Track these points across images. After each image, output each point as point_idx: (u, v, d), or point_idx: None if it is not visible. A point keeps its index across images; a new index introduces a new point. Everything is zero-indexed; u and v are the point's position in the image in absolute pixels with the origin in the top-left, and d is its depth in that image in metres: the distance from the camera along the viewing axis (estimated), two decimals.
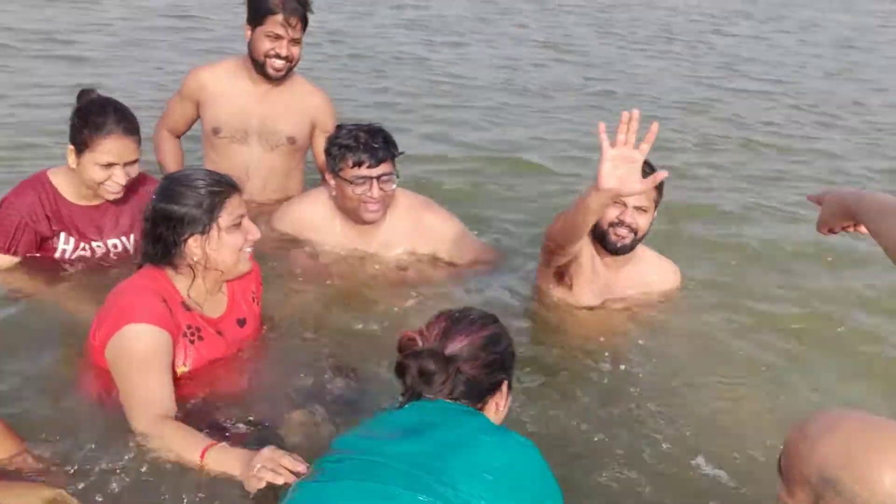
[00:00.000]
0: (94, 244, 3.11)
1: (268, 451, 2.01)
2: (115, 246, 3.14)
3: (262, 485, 1.96)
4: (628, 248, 3.12)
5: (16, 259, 3.02)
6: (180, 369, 2.39)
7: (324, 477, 1.77)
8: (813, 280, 3.98)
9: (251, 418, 2.36)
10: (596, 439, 2.59)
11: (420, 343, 1.93)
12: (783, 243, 4.39)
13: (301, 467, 1.94)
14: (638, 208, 3.03)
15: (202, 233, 2.34)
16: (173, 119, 3.86)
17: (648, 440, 2.60)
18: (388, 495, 1.64)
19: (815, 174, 5.80)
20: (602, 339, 3.13)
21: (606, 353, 3.06)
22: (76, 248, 3.08)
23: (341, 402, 2.52)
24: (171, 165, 3.82)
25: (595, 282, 3.20)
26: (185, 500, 2.08)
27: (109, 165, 2.85)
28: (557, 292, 3.20)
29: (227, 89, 3.69)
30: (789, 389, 3.01)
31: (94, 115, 2.82)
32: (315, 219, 3.42)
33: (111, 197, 2.96)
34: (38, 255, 3.06)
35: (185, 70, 3.96)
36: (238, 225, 2.39)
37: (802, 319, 3.56)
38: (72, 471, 2.13)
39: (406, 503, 1.62)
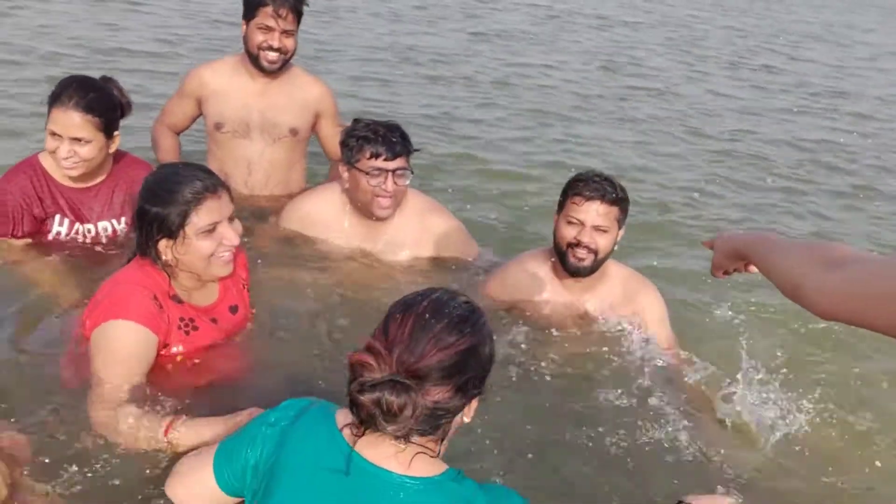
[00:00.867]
0: (85, 226, 3.07)
1: (249, 411, 1.96)
2: (105, 229, 3.10)
3: None
4: (588, 270, 2.97)
5: (21, 242, 3.01)
6: (177, 358, 2.38)
7: None
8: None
9: (245, 407, 2.25)
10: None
11: (377, 368, 1.48)
12: None
13: None
14: (597, 228, 2.89)
15: (170, 237, 2.28)
16: (173, 116, 3.84)
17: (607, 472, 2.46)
18: None
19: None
20: (561, 360, 2.96)
21: (561, 376, 2.89)
22: (70, 229, 3.05)
23: (332, 396, 2.43)
24: (168, 160, 3.77)
25: (549, 305, 3.11)
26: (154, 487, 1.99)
27: (54, 136, 2.81)
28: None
29: (227, 85, 3.70)
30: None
31: (57, 86, 2.81)
32: (323, 214, 3.40)
33: (69, 172, 2.90)
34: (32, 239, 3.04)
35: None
36: (211, 231, 2.30)
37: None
38: (35, 454, 2.05)
39: None
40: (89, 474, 2.03)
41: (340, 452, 1.55)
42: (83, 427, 2.18)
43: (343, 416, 1.62)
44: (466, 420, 1.62)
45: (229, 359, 2.54)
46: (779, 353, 3.11)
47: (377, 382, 1.46)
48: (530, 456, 2.45)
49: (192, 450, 1.98)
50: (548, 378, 2.86)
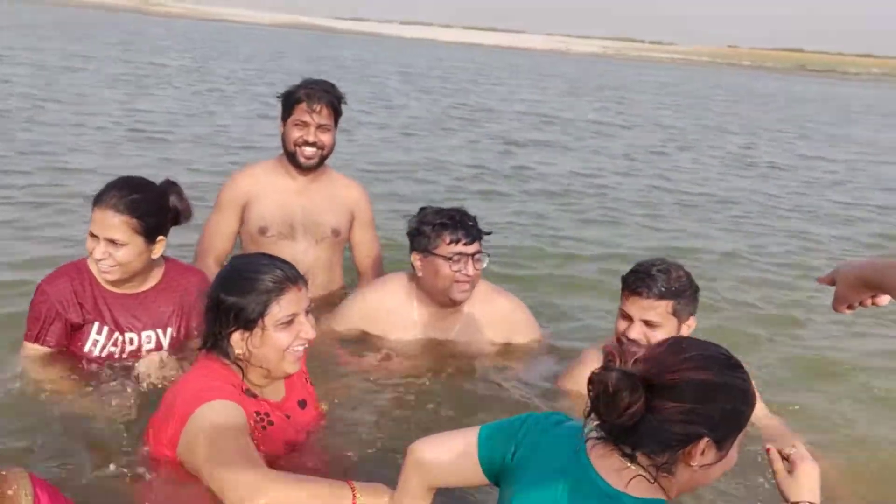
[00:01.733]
0: (127, 335, 2.82)
1: None
2: (148, 339, 2.85)
3: None
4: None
5: (45, 349, 2.78)
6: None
7: None
8: None
9: None
10: None
11: (618, 361, 1.60)
12: None
13: None
14: (648, 323, 2.69)
15: (246, 328, 2.15)
16: (218, 238, 3.62)
17: None
18: None
19: None
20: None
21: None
22: (109, 338, 2.81)
23: None
24: None
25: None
26: None
27: (93, 236, 2.67)
28: None
29: (268, 188, 3.59)
30: None
31: (104, 186, 2.70)
32: (389, 306, 3.25)
33: (105, 276, 2.74)
34: (66, 346, 2.81)
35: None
36: (289, 322, 2.17)
37: None
38: None
39: None
40: None
41: (576, 457, 1.66)
42: None
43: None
44: (694, 466, 1.58)
45: (310, 455, 2.30)
46: None
47: (612, 368, 1.56)
48: None
49: None
50: None
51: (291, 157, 3.52)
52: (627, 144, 12.03)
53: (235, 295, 2.13)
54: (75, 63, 16.43)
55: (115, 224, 2.62)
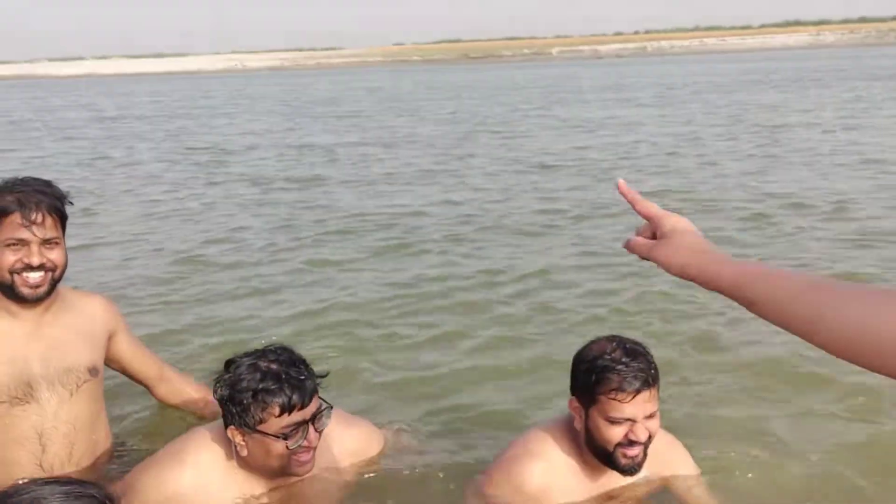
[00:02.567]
0: None
1: None
2: None
3: None
4: (641, 466, 2.40)
5: None
6: None
7: None
8: None
9: None
10: None
11: None
12: None
13: None
14: (649, 417, 2.32)
15: None
16: None
17: None
18: None
19: None
20: None
21: None
22: None
23: None
24: None
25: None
26: None
27: None
28: None
29: None
30: None
31: None
32: (200, 487, 2.37)
33: None
34: None
35: None
36: None
37: None
38: None
39: None
40: None
41: None
42: None
43: None
44: None
45: None
46: None
47: None
48: None
49: None
50: None
51: (7, 291, 2.56)
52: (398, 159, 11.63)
53: None
54: None
55: None
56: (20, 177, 2.61)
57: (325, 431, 2.41)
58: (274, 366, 2.29)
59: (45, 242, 2.54)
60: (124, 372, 3.03)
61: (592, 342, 2.36)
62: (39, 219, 2.51)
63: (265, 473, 2.40)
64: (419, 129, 16.15)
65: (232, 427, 2.32)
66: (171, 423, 3.16)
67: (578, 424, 2.36)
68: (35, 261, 2.52)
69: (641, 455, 2.30)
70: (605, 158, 10.98)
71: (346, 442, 2.64)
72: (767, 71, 34.62)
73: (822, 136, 12.25)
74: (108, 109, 25.40)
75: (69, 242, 2.68)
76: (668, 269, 1.33)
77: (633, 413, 2.24)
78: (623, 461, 2.29)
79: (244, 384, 2.27)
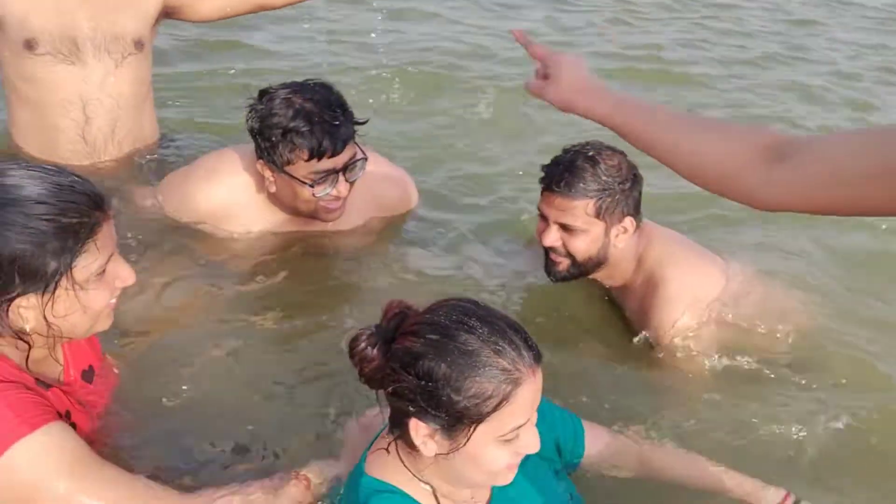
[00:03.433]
0: None
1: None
2: None
3: None
4: (560, 278, 2.34)
5: None
6: None
7: None
8: None
9: None
10: None
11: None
12: None
13: None
14: (564, 226, 2.21)
15: (43, 291, 1.37)
16: None
17: None
18: None
19: None
20: None
21: None
22: None
23: None
24: None
25: None
26: None
27: None
28: None
29: None
30: None
31: None
32: (235, 208, 2.37)
33: None
34: None
35: None
36: (103, 272, 1.44)
37: None
38: None
39: None
40: None
41: None
42: None
43: None
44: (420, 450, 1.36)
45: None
46: None
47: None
48: None
49: None
50: None
51: None
52: None
53: (7, 242, 1.32)
54: None
55: None
56: None
57: (360, 178, 2.31)
58: (308, 104, 2.13)
59: None
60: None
61: None
62: None
63: (292, 212, 2.34)
64: None
65: (262, 161, 2.22)
66: (218, 129, 3.05)
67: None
68: None
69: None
70: None
71: (381, 194, 2.54)
72: None
73: None
74: None
75: None
76: (556, 106, 1.51)
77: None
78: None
79: (275, 119, 2.13)
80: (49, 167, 1.43)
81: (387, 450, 1.41)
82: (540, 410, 1.36)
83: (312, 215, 2.30)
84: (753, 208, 1.29)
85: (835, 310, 2.47)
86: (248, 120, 2.19)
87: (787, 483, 1.70)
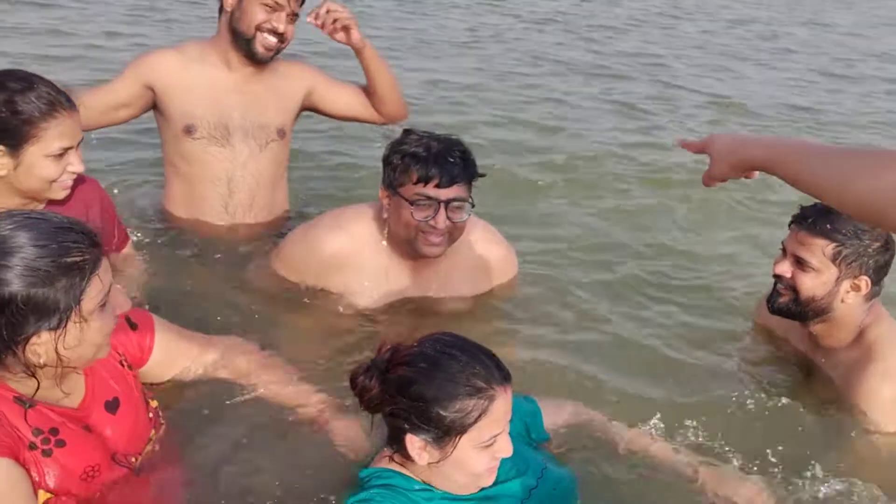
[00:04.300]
0: None
1: None
2: None
3: None
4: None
5: None
6: (42, 499, 1.60)
7: None
8: None
9: None
10: None
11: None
12: None
13: None
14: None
15: (56, 327, 1.52)
16: (111, 95, 2.82)
17: None
18: None
19: None
20: None
21: None
22: None
23: None
24: None
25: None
26: None
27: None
28: None
29: (197, 77, 2.86)
30: None
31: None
32: (352, 253, 2.56)
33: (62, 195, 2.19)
34: None
35: None
36: (105, 303, 1.59)
37: None
38: None
39: None
40: None
41: None
42: None
43: None
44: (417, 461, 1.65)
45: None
46: None
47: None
48: None
49: None
50: None
51: (244, 44, 2.80)
52: None
53: (16, 285, 1.47)
54: None
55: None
56: None
57: (471, 239, 2.53)
58: (435, 143, 2.39)
59: (291, 15, 2.79)
60: (334, 108, 3.06)
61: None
62: None
63: (403, 249, 2.51)
64: None
65: (383, 186, 2.46)
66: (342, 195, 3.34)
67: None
68: (280, 27, 2.77)
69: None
70: None
71: (486, 255, 2.70)
72: None
73: None
74: None
75: None
76: (723, 173, 1.57)
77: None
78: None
79: (403, 147, 2.40)
80: (46, 213, 1.62)
81: (388, 458, 1.67)
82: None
83: (413, 246, 2.45)
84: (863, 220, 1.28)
85: None
86: (386, 149, 2.46)
87: None
